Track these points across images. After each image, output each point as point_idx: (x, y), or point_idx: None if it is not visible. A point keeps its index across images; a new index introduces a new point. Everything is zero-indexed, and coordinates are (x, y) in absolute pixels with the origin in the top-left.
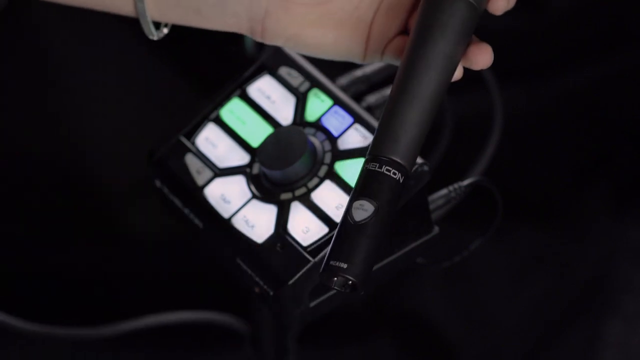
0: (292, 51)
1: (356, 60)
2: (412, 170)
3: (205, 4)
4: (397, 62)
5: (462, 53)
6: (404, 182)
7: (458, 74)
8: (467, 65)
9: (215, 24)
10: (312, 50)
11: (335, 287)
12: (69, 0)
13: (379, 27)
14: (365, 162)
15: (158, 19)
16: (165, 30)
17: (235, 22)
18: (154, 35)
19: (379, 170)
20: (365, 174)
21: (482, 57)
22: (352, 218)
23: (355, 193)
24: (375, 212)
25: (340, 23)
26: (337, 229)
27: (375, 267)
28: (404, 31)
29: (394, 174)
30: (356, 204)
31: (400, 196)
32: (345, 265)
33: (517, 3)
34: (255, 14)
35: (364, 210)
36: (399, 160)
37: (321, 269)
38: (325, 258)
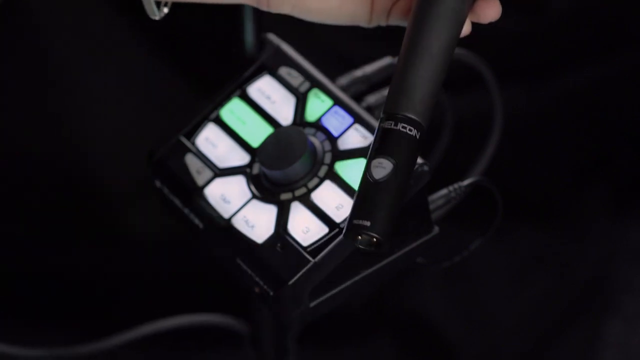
0: (291, 50)
1: (362, 23)
2: (414, 169)
3: None
4: (404, 24)
5: (470, 7)
6: (421, 138)
7: (467, 29)
8: (475, 20)
9: None
10: (318, 16)
11: (360, 246)
12: None
13: None
14: (381, 121)
15: None
16: (166, 10)
17: None
18: (157, 15)
19: (395, 128)
20: (381, 133)
21: (489, 10)
22: (372, 176)
23: (373, 152)
24: (394, 170)
25: None
26: (357, 189)
27: (375, 267)
28: None
29: (410, 130)
30: (375, 162)
31: (418, 152)
32: (368, 223)
33: (516, 3)
34: None
35: (383, 168)
36: (414, 117)
37: (345, 229)
38: (348, 217)
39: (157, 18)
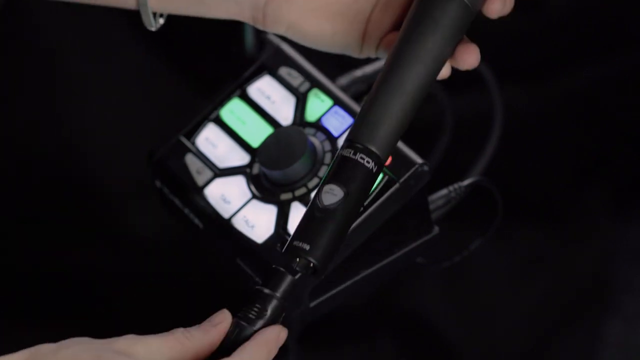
0: (291, 50)
1: (353, 53)
2: (412, 171)
3: None
4: None
5: (451, 52)
6: (377, 173)
7: (445, 72)
8: (454, 65)
9: (217, 12)
10: (311, 41)
11: (297, 268)
12: None
13: (376, 22)
14: (341, 148)
15: (159, 9)
16: (162, 21)
17: (238, 9)
18: (153, 26)
19: (353, 157)
20: (339, 160)
21: (468, 57)
22: (321, 201)
23: (327, 177)
24: (344, 198)
25: (338, 15)
26: (305, 211)
27: (375, 267)
28: (398, 27)
29: (368, 162)
30: (326, 187)
31: (371, 186)
32: (307, 247)
33: (516, 3)
34: (257, 0)
35: (333, 194)
36: (374, 150)
37: (284, 248)
38: (290, 238)
39: (153, 29)
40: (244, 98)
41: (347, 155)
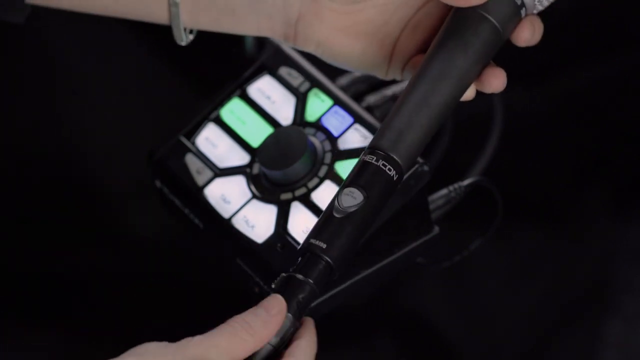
0: (291, 50)
1: (379, 74)
2: (412, 170)
3: (241, 5)
4: None
5: (477, 74)
6: (397, 182)
7: (469, 94)
8: (479, 87)
9: (249, 27)
10: (339, 59)
11: (312, 266)
12: (100, 10)
13: (404, 43)
14: (363, 154)
15: (190, 24)
16: (191, 36)
17: (270, 25)
18: (184, 41)
19: (375, 163)
20: (361, 165)
21: (495, 80)
22: (340, 203)
23: (348, 180)
24: (364, 202)
25: (368, 35)
26: (324, 210)
27: (375, 267)
28: (424, 50)
29: (389, 170)
30: (346, 190)
31: (391, 194)
32: (324, 246)
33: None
34: (289, 17)
35: (353, 197)
36: (397, 159)
37: (300, 245)
38: (307, 236)
39: (183, 44)
40: (244, 98)
41: (370, 161)
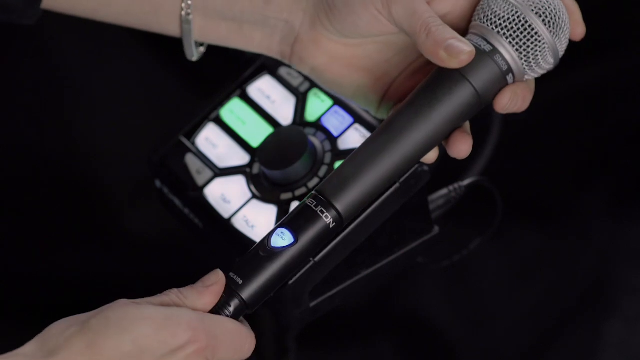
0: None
1: (370, 109)
2: (412, 171)
3: (248, 23)
4: None
5: (445, 135)
6: (334, 229)
7: (432, 156)
8: (448, 151)
9: (252, 44)
10: (333, 87)
11: (228, 301)
12: (112, 19)
13: (400, 86)
14: (308, 196)
15: (200, 39)
16: (202, 50)
17: (268, 44)
18: (195, 57)
19: (314, 208)
20: (302, 207)
21: (460, 146)
22: (269, 242)
23: (284, 220)
24: (291, 245)
25: (365, 70)
26: (254, 246)
27: (375, 267)
28: None
29: (326, 217)
30: (279, 230)
31: (325, 240)
32: (240, 282)
33: None
34: (288, 37)
35: (283, 239)
36: (338, 207)
37: (226, 275)
38: (233, 267)
39: (194, 59)
40: (244, 98)
41: (309, 205)
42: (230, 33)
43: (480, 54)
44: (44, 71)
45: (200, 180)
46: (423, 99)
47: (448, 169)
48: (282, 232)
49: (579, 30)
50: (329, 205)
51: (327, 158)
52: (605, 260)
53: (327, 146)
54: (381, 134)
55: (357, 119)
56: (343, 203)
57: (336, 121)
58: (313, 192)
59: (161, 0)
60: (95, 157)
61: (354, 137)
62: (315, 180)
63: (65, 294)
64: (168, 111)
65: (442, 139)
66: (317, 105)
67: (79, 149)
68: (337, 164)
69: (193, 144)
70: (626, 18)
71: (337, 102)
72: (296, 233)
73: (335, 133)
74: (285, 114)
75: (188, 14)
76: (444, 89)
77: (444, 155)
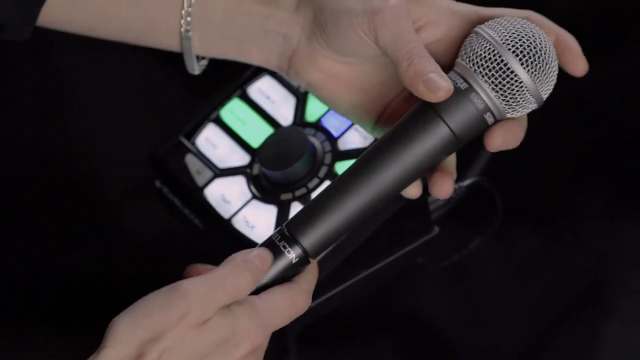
0: None
1: (365, 128)
2: None
3: (247, 38)
4: None
5: (419, 173)
6: (296, 265)
7: (414, 192)
8: (429, 189)
9: (251, 56)
10: (327, 103)
11: None
12: (111, 36)
13: (397, 108)
14: (277, 230)
15: (200, 53)
16: (205, 63)
17: (267, 58)
18: (196, 71)
19: (278, 243)
20: (268, 240)
21: (441, 186)
22: None
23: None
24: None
25: (361, 90)
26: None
27: (375, 267)
28: None
29: (289, 252)
30: None
31: (287, 276)
32: None
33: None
34: (286, 51)
35: None
36: (302, 244)
37: None
38: None
39: (196, 73)
40: (244, 98)
41: (275, 239)
42: (229, 48)
43: (455, 91)
44: (44, 71)
45: (200, 181)
46: (397, 136)
47: None
48: None
49: (580, 67)
50: (293, 242)
51: (327, 159)
52: (604, 262)
53: (327, 147)
54: (354, 170)
55: None
56: (308, 241)
57: (336, 122)
58: (284, 225)
59: (160, 17)
60: (95, 157)
61: (354, 138)
62: (315, 181)
63: (65, 294)
64: (168, 111)
65: (417, 177)
66: (317, 106)
67: (78, 149)
68: (337, 165)
69: (193, 144)
70: (623, 21)
71: None
72: None
73: (335, 134)
74: (285, 114)
75: (187, 31)
76: (418, 126)
77: None
